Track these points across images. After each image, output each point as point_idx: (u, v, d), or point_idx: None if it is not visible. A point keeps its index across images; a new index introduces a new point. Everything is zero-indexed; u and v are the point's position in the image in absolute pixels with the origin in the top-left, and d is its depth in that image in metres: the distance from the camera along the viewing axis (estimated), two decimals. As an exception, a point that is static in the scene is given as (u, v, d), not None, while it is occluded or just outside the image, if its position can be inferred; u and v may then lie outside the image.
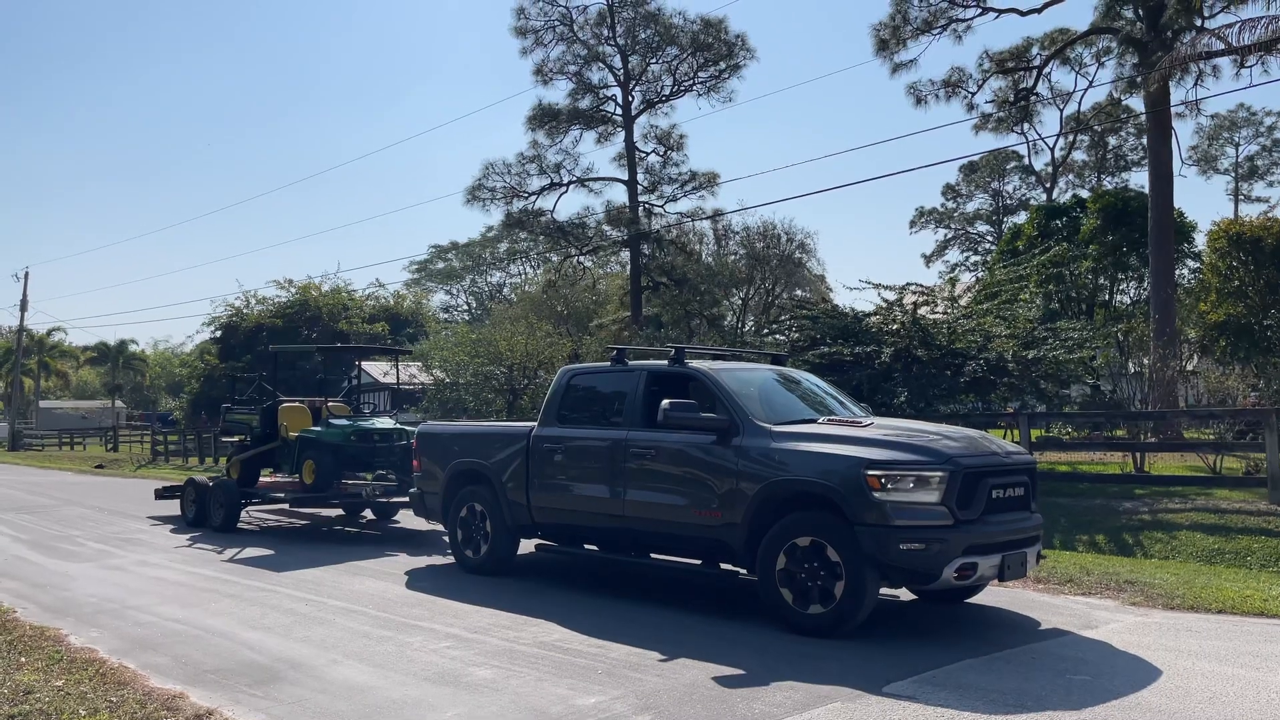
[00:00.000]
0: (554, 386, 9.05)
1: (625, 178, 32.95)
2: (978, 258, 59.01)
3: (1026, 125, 37.15)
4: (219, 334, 42.09)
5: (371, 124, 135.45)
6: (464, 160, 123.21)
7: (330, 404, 14.64)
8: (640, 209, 32.96)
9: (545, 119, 32.49)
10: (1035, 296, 21.23)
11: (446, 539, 11.15)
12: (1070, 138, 50.54)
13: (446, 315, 65.71)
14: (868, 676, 5.74)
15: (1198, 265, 34.33)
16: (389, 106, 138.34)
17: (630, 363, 8.65)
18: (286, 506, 14.80)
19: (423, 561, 10.47)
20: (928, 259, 63.27)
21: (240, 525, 13.72)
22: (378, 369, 36.02)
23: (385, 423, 13.76)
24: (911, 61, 25.09)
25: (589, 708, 5.25)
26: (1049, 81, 35.73)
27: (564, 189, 33.58)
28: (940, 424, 8.33)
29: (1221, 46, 20.40)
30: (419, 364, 28.94)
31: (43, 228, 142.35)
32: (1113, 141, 51.83)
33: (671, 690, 5.54)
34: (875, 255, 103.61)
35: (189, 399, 42.09)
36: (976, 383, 15.47)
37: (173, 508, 15.16)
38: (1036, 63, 27.15)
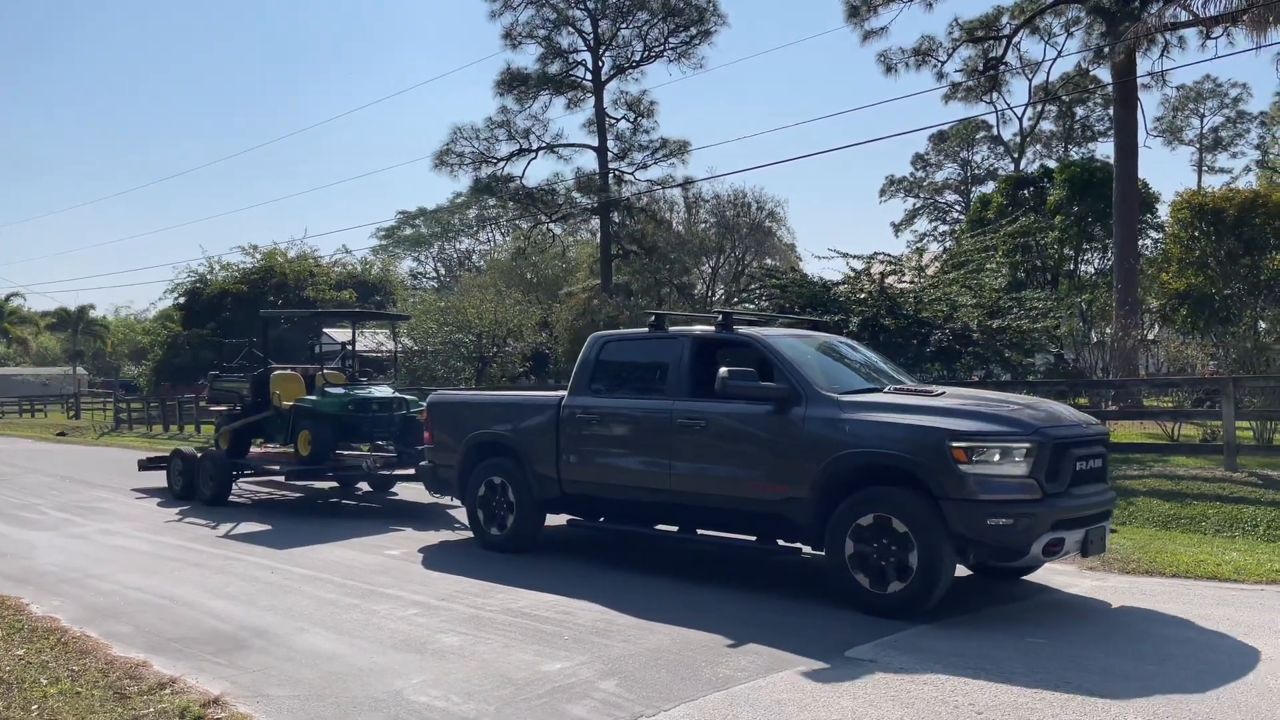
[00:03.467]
0: (585, 354, 8.50)
1: (595, 144, 32.75)
2: (946, 227, 59.30)
3: (995, 95, 37.22)
4: (183, 300, 41.45)
5: (338, 87, 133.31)
6: (432, 125, 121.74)
7: (325, 371, 14.05)
8: (610, 176, 32.82)
9: (514, 84, 32.16)
10: (1002, 266, 21.39)
11: (453, 512, 10.99)
12: (1038, 108, 50.77)
13: (414, 282, 65.15)
14: (831, 641, 5.82)
15: (1161, 236, 34.77)
16: (356, 70, 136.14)
17: (671, 329, 8.21)
18: (279, 479, 14.29)
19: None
20: (897, 228, 63.49)
21: (230, 498, 13.09)
22: (341, 336, 35.71)
23: (384, 391, 13.14)
24: (882, 29, 25.07)
25: (554, 673, 5.28)
26: (1018, 51, 35.87)
27: (533, 155, 33.36)
28: (1010, 392, 8.08)
29: (1188, 18, 20.56)
30: (386, 331, 28.72)
31: (0, 191, 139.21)
32: (1080, 112, 52.11)
33: (637, 655, 5.59)
34: (845, 224, 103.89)
35: (152, 366, 41.50)
36: (943, 352, 15.60)
37: (157, 479, 14.57)
38: (1006, 32, 27.19)
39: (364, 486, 14.22)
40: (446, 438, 9.44)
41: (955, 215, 58.22)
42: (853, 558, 6.47)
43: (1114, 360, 18.35)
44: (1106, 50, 22.88)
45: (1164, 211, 34.72)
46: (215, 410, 15.30)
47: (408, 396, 13.05)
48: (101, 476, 16.92)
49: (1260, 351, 19.56)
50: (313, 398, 12.76)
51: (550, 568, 8.23)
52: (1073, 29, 36.90)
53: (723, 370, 7.01)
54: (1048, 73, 45.48)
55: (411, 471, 11.86)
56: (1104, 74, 30.95)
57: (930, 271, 17.74)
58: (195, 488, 13.02)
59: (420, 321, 29.71)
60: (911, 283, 16.72)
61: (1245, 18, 19.04)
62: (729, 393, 7.02)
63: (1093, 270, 33.96)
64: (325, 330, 32.39)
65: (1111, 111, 27.32)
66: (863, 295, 15.99)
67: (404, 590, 7.41)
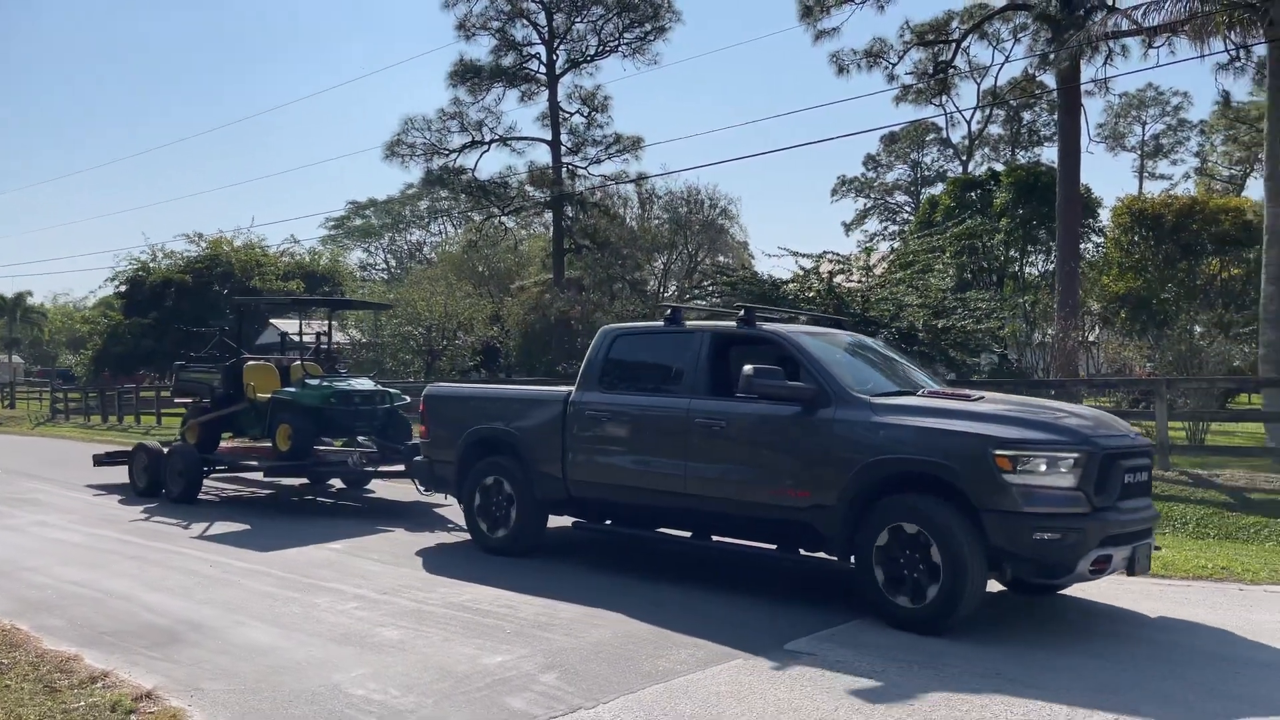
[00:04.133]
0: (595, 348, 8.04)
1: (549, 138, 32.66)
2: (896, 227, 60.07)
3: (945, 98, 37.72)
4: (124, 289, 40.55)
5: (288, 74, 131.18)
6: (384, 115, 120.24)
7: (304, 363, 13.26)
8: (564, 170, 32.74)
9: (467, 75, 31.94)
10: (949, 267, 21.74)
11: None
12: (987, 112, 51.64)
13: (364, 274, 64.42)
14: (770, 635, 5.90)
15: (1102, 240, 35.57)
16: (307, 57, 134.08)
17: (688, 323, 7.82)
18: (249, 476, 13.53)
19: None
20: (848, 227, 64.18)
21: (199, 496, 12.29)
22: (288, 326, 35.18)
23: (365, 384, 12.47)
24: (834, 30, 25.30)
25: (495, 666, 5.29)
26: (967, 55, 36.37)
27: (486, 147, 33.18)
28: (1050, 399, 7.75)
29: (1130, 27, 21.02)
30: (335, 323, 28.38)
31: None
32: (1027, 117, 53.08)
33: (579, 649, 5.61)
34: (797, 222, 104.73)
35: (91, 355, 40.52)
36: (889, 350, 15.82)
37: (116, 475, 13.60)
38: (956, 36, 27.60)
39: (337, 483, 13.54)
40: (444, 433, 8.95)
41: (905, 216, 59.01)
42: (881, 569, 6.14)
43: (1055, 361, 18.79)
44: (1052, 57, 23.30)
45: (1106, 216, 35.55)
46: (181, 402, 14.37)
47: (391, 389, 12.54)
48: (37, 468, 16.52)
49: (1194, 354, 20.12)
50: (292, 390, 12.01)
51: (501, 562, 8.22)
52: (1020, 35, 37.53)
53: (747, 368, 6.63)
54: (996, 77, 46.39)
55: (397, 468, 11.51)
56: (1050, 80, 31.60)
57: (878, 271, 17.98)
58: (160, 484, 12.27)
59: (369, 313, 29.39)
60: (859, 282, 16.95)
61: (1186, 28, 19.53)
62: (754, 392, 6.65)
63: (1036, 272, 34.62)
64: (271, 321, 31.94)
65: (1056, 117, 27.89)
66: (811, 294, 16.18)
67: (345, 584, 7.35)
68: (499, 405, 8.65)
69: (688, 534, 7.58)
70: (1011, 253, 33.89)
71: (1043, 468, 5.77)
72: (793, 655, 5.51)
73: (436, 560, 8.35)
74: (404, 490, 12.47)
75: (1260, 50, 20.72)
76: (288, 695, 4.84)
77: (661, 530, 7.81)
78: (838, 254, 17.43)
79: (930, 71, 28.27)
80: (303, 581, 7.44)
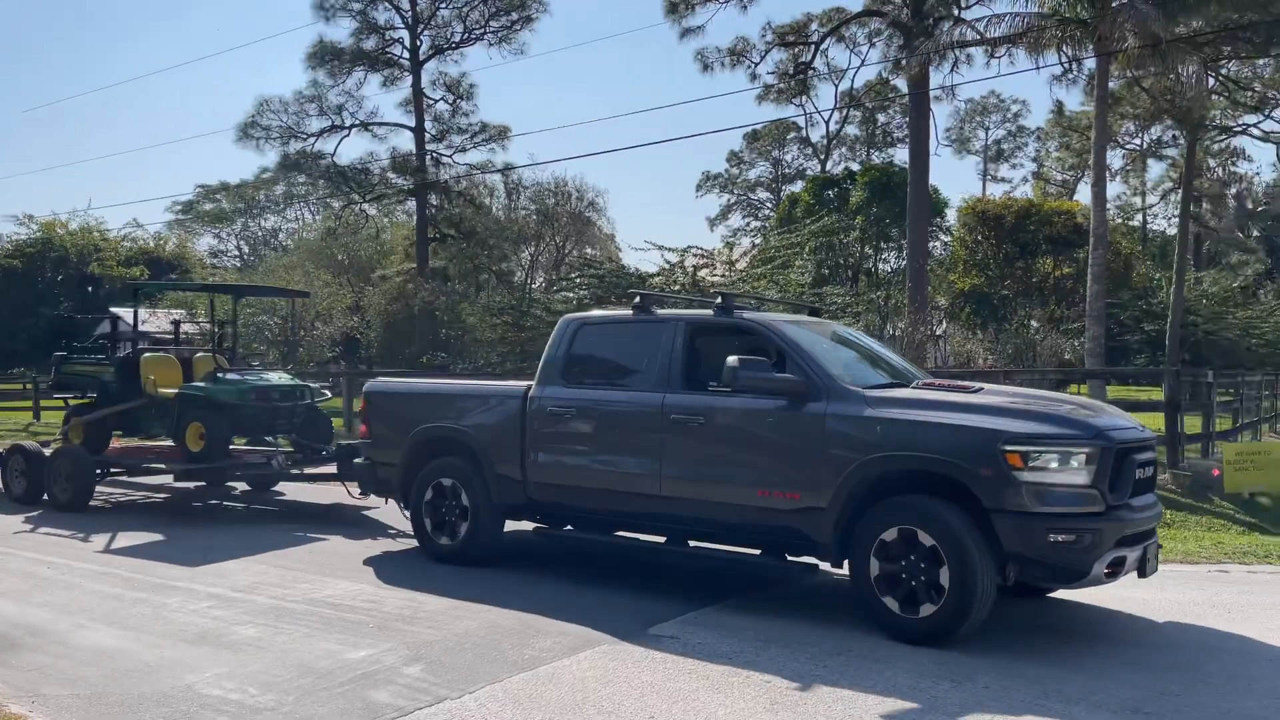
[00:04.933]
0: (556, 339, 7.47)
1: (413, 124, 31.97)
2: (758, 223, 61.57)
3: (805, 98, 38.91)
4: (-56, 273, 37.53)
5: (132, 49, 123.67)
6: (238, 95, 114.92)
7: (199, 355, 12.01)
8: (428, 158, 32.13)
9: (326, 57, 30.95)
10: (808, 263, 22.50)
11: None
12: (843, 113, 53.45)
13: (215, 261, 61.57)
14: (636, 619, 6.03)
15: (949, 239, 37.46)
16: (153, 31, 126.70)
17: (660, 312, 7.32)
18: (136, 479, 12.10)
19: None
20: (712, 222, 65.38)
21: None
22: (129, 315, 33.35)
23: (282, 378, 11.40)
24: (699, 27, 25.72)
25: (358, 660, 5.23)
26: (826, 57, 37.58)
27: (346, 132, 32.24)
28: (1049, 391, 7.18)
29: (975, 37, 22.21)
30: (181, 311, 27.06)
31: None
32: (881, 119, 55.26)
33: (444, 641, 5.60)
34: (663, 216, 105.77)
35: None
36: (750, 343, 16.28)
37: None
38: (815, 39, 28.50)
39: (240, 486, 12.20)
40: (387, 432, 8.27)
41: (767, 212, 60.52)
42: (879, 577, 5.71)
43: (905, 354, 19.67)
44: (904, 63, 24.38)
45: (953, 216, 37.48)
46: (61, 398, 12.75)
47: (311, 384, 11.52)
48: None
49: (1030, 347, 21.50)
50: (202, 385, 10.77)
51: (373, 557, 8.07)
52: (875, 40, 39.05)
53: (732, 359, 6.18)
54: (852, 80, 47.91)
55: (326, 470, 10.66)
56: (902, 84, 32.97)
57: (741, 266, 18.46)
58: (43, 490, 10.83)
59: (220, 301, 28.12)
60: (723, 276, 17.36)
61: (1024, 41, 20.80)
62: (739, 386, 6.21)
63: (889, 269, 36.16)
64: (113, 309, 30.14)
65: (908, 120, 29.16)
66: (677, 288, 16.47)
67: (197, 583, 7.08)
68: (449, 402, 8.02)
69: (661, 539, 7.01)
70: (866, 250, 35.32)
71: (1055, 464, 5.41)
72: (657, 639, 5.65)
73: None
74: (318, 492, 11.52)
75: (1090, 64, 22.27)
76: (137, 698, 4.66)
77: (633, 536, 7.24)
78: (702, 249, 17.84)
79: (791, 72, 29.10)
80: (150, 581, 7.13)
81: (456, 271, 36.01)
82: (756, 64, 27.84)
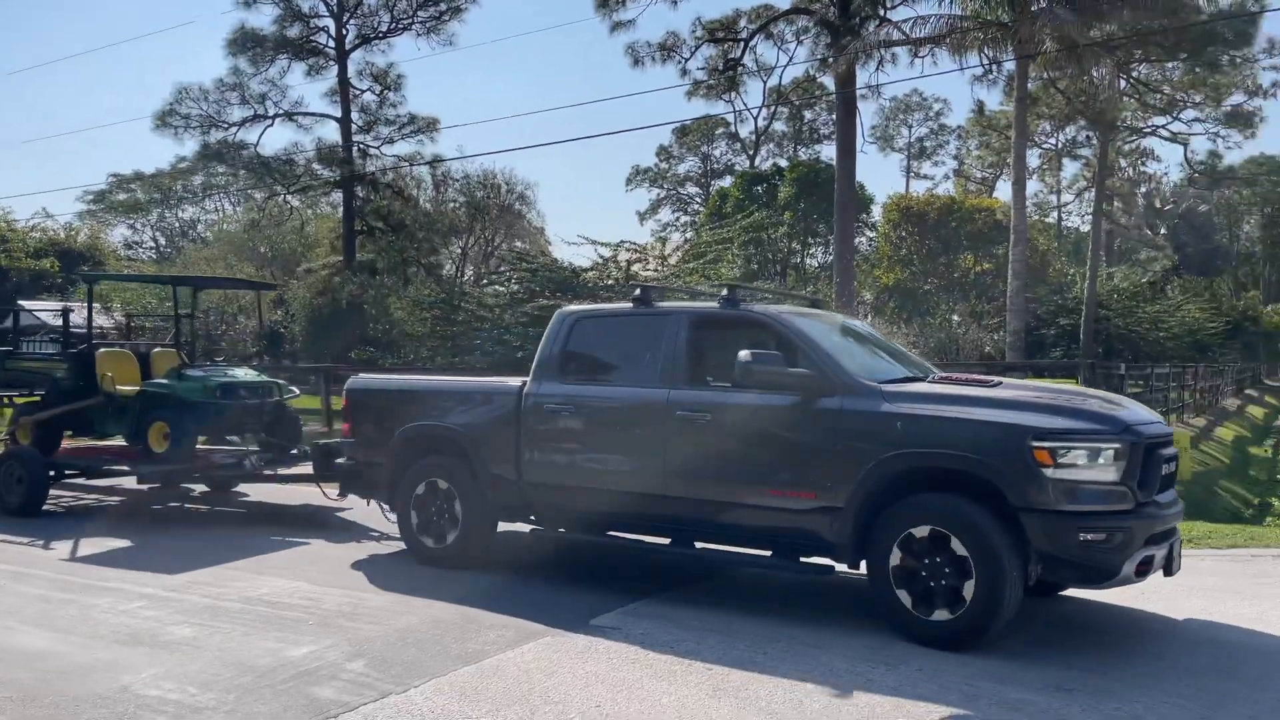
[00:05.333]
0: (552, 334, 7.20)
1: (338, 115, 31.39)
2: (688, 218, 61.95)
3: (734, 94, 39.31)
4: None
5: (40, 32, 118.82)
6: (156, 82, 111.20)
7: (156, 350, 11.39)
8: (355, 149, 31.58)
9: (248, 44, 30.16)
10: (737, 258, 22.76)
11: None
12: (772, 109, 54.09)
13: (130, 252, 59.67)
14: (578, 611, 6.08)
15: (875, 234, 38.22)
16: (62, 12, 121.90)
17: (661, 304, 7.09)
18: (81, 480, 11.22)
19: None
20: (642, 216, 65.59)
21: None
22: (38, 308, 32.17)
23: (248, 374, 10.85)
24: (630, 22, 25.80)
25: (299, 657, 5.19)
26: (755, 54, 38.00)
27: (270, 122, 31.49)
28: (1061, 383, 7.03)
29: (900, 37, 22.72)
30: (99, 305, 26.23)
31: None
32: (809, 115, 56.12)
33: (386, 636, 5.59)
34: (594, 210, 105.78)
35: None
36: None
37: None
38: (744, 35, 28.77)
39: (198, 487, 11.55)
40: (372, 431, 7.95)
41: (696, 207, 60.93)
42: (899, 579, 5.53)
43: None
44: (830, 61, 24.79)
45: (878, 212, 38.27)
46: (6, 395, 11.98)
47: (278, 381, 11.02)
48: None
49: (952, 341, 22.08)
50: (165, 381, 10.19)
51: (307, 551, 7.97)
52: (802, 38, 39.61)
53: (744, 354, 5.94)
54: (780, 77, 48.55)
55: (301, 471, 10.06)
56: (829, 82, 33.51)
57: (673, 261, 18.60)
58: None
59: (137, 295, 27.38)
60: (656, 271, 17.48)
61: (947, 42, 21.36)
62: (752, 381, 5.96)
63: (817, 263, 36.75)
64: (20, 302, 29.06)
65: (835, 117, 29.65)
66: (610, 282, 16.53)
67: (126, 583, 6.92)
68: (439, 399, 7.72)
69: (665, 540, 6.73)
70: (794, 245, 35.85)
71: (1082, 460, 5.27)
72: (599, 630, 5.73)
73: (228, 552, 7.97)
74: (284, 493, 11.02)
75: (1010, 66, 22.96)
76: (73, 700, 4.56)
77: (633, 537, 6.98)
78: (635, 243, 17.93)
79: (720, 68, 29.34)
80: (78, 582, 6.95)
81: (385, 265, 35.49)
82: (687, 59, 28.05)
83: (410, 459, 7.61)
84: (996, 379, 6.42)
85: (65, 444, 11.23)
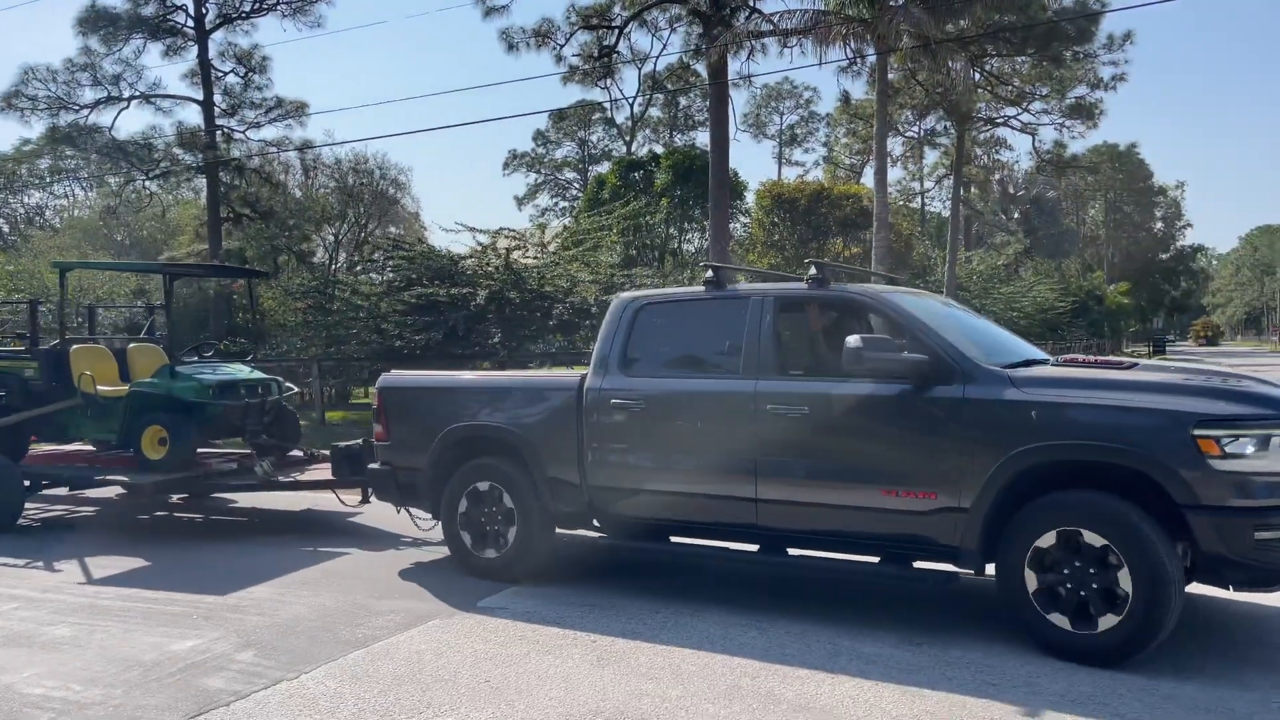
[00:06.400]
0: (612, 323, 6.59)
1: (200, 98, 30.19)
2: (566, 204, 61.96)
3: (609, 81, 39.54)
4: None
5: None
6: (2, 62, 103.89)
7: (133, 345, 10.45)
8: (218, 134, 30.45)
9: (100, 23, 28.70)
10: (616, 245, 23.04)
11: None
12: (647, 96, 54.52)
13: (-32, 241, 55.82)
14: (466, 595, 6.27)
15: (749, 220, 39.16)
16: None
17: (738, 286, 6.49)
18: (53, 491, 10.30)
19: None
20: (520, 201, 65.22)
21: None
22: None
23: (244, 371, 10.00)
24: (504, 7, 25.68)
25: (186, 650, 5.22)
26: (629, 41, 38.28)
27: (125, 104, 30.04)
28: (1184, 362, 6.73)
29: (769, 28, 23.36)
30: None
31: None
32: (683, 102, 56.79)
33: (274, 626, 5.65)
34: (470, 195, 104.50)
35: None
36: (564, 324, 16.64)
37: None
38: (618, 23, 29.01)
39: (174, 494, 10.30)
40: (409, 433, 7.24)
41: (574, 193, 61.01)
42: (1039, 589, 4.99)
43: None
44: (704, 49, 25.28)
45: (751, 198, 39.19)
46: None
47: (276, 378, 10.29)
48: None
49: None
50: (155, 380, 9.34)
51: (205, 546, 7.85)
52: (676, 26, 40.13)
53: (853, 339, 5.34)
54: (655, 64, 48.93)
55: (320, 478, 9.05)
56: (703, 70, 34.07)
57: (552, 248, 18.75)
58: None
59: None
60: (535, 258, 17.60)
61: (813, 34, 22.10)
62: (864, 370, 5.37)
63: (693, 249, 37.40)
64: None
65: (708, 105, 30.20)
66: (490, 269, 16.57)
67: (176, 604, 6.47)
68: (487, 396, 7.03)
69: (754, 547, 6.14)
70: (671, 231, 36.38)
71: (1250, 449, 4.68)
72: (487, 610, 5.94)
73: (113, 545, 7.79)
74: (278, 499, 10.24)
75: (873, 58, 23.90)
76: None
77: (702, 543, 6.37)
78: (514, 230, 17.98)
79: (595, 55, 29.51)
80: (115, 607, 6.71)
81: (254, 253, 34.40)
82: (562, 46, 28.07)
83: (455, 462, 7.00)
84: (1130, 360, 5.91)
85: (41, 451, 10.33)
